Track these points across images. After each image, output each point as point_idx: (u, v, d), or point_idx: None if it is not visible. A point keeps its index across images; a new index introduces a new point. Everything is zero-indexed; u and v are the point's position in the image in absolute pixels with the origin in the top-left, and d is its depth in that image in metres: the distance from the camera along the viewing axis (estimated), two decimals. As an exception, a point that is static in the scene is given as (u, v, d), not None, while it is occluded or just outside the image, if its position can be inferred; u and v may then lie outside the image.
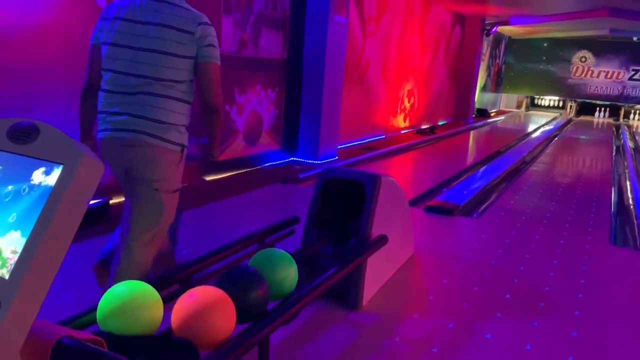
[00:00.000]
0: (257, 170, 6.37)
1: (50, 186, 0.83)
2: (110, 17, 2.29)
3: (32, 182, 0.84)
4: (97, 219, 4.09)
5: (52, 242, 0.82)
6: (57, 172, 0.83)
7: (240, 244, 2.58)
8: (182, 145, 2.33)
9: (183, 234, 3.92)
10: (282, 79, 6.74)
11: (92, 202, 4.15)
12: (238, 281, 1.84)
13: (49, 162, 0.84)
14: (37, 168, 0.85)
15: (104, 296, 1.69)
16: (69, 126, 4.12)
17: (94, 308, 1.68)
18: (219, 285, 1.86)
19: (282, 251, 2.14)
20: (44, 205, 0.82)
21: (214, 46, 2.30)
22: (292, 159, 7.14)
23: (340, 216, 3.17)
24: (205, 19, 2.31)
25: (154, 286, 1.97)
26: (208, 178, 5.70)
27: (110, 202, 4.37)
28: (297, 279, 2.11)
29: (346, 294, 2.87)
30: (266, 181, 5.81)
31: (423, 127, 11.81)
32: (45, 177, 0.84)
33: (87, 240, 3.69)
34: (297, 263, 2.31)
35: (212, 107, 2.35)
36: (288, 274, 2.05)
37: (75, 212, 0.85)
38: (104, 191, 4.45)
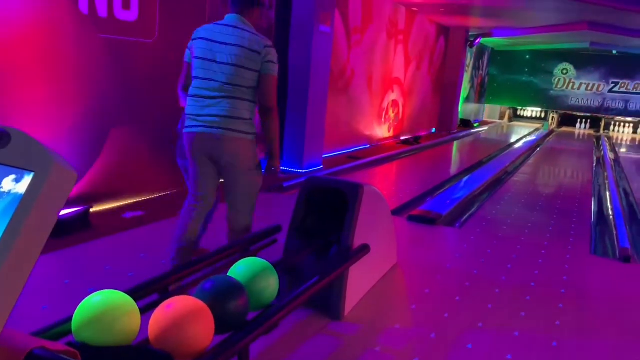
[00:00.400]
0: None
1: (20, 194, 0.81)
2: (197, 38, 3.01)
3: (1, 190, 0.83)
4: (77, 228, 4.03)
5: (21, 251, 0.80)
6: (27, 179, 0.82)
7: (222, 254, 2.55)
8: (254, 133, 3.06)
9: (162, 244, 3.89)
10: (266, 88, 6.73)
11: (72, 210, 4.10)
12: (217, 291, 1.82)
13: (20, 170, 0.82)
14: (7, 175, 0.83)
15: (79, 306, 1.66)
16: (44, 133, 4.08)
17: (70, 318, 1.64)
18: (197, 295, 1.84)
19: (263, 260, 2.12)
20: (13, 213, 0.80)
21: (274, 62, 2.97)
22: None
23: (323, 225, 3.16)
24: (269, 43, 2.98)
25: (131, 295, 1.94)
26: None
27: (91, 210, 4.32)
28: (277, 289, 2.10)
29: (328, 303, 2.86)
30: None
31: (407, 136, 11.88)
32: (15, 185, 0.82)
33: (68, 249, 3.65)
34: (279, 273, 2.29)
35: (268, 107, 3.02)
36: (268, 284, 2.03)
37: (45, 221, 0.83)
38: (85, 199, 4.41)
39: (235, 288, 1.88)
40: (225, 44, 2.90)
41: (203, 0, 5.42)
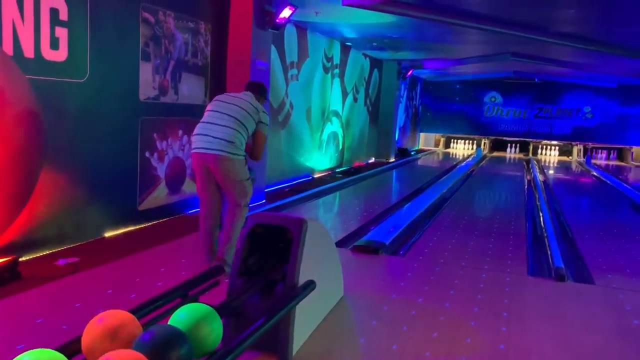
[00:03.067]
0: (181, 218, 6.20)
1: None
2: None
3: None
4: (6, 280, 3.78)
5: None
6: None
7: (162, 300, 2.46)
8: (244, 155, 4.10)
9: (100, 291, 3.71)
10: (204, 125, 6.67)
11: (-2, 261, 3.85)
12: (157, 341, 1.74)
13: None
14: None
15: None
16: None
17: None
18: (136, 347, 1.75)
19: (205, 305, 2.06)
20: None
21: (265, 123, 4.20)
22: (218, 204, 7.00)
23: (268, 263, 3.11)
24: (265, 110, 4.27)
25: (65, 351, 1.83)
26: (127, 229, 5.46)
27: (20, 259, 4.07)
28: (221, 334, 2.03)
29: (275, 344, 2.79)
30: (191, 229, 5.64)
31: (348, 167, 12.04)
32: None
33: (-7, 304, 3.41)
34: (223, 316, 2.23)
35: (255, 157, 4.27)
36: (211, 329, 1.97)
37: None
38: (13, 248, 4.15)
39: (177, 337, 1.80)
40: (238, 97, 4.18)
41: (136, 38, 5.35)
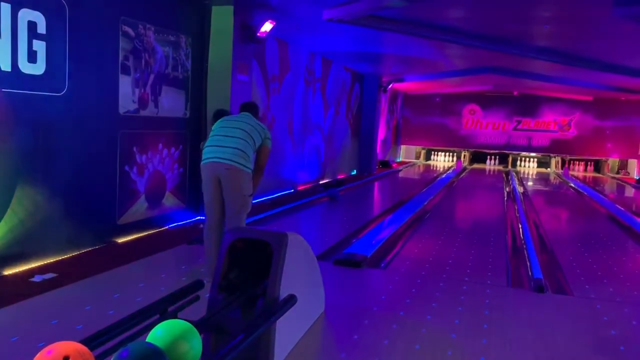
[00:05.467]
0: (161, 232, 6.14)
1: None
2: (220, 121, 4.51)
3: None
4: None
5: None
6: None
7: (140, 316, 2.42)
8: (251, 169, 4.31)
9: (76, 307, 3.64)
10: (185, 137, 6.65)
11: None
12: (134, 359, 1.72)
13: None
14: None
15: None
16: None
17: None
18: (113, 366, 1.72)
19: (183, 322, 2.03)
20: None
21: (269, 138, 4.46)
22: (199, 217, 6.96)
23: (248, 277, 3.09)
24: (266, 127, 4.59)
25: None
26: (106, 244, 5.39)
27: (5, 273, 3.99)
28: (200, 351, 2.01)
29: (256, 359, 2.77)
30: (171, 243, 5.59)
31: (330, 179, 12.05)
32: None
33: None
34: (203, 331, 2.20)
35: (259, 165, 4.48)
36: (190, 346, 1.94)
37: None
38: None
39: (154, 355, 1.78)
40: (242, 117, 4.46)
41: (116, 52, 5.32)
